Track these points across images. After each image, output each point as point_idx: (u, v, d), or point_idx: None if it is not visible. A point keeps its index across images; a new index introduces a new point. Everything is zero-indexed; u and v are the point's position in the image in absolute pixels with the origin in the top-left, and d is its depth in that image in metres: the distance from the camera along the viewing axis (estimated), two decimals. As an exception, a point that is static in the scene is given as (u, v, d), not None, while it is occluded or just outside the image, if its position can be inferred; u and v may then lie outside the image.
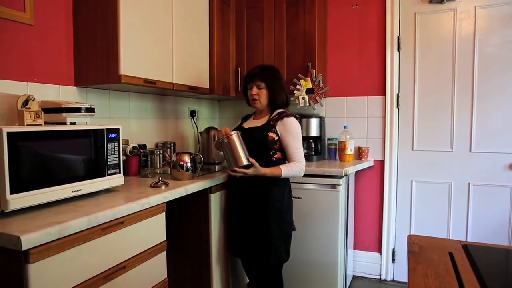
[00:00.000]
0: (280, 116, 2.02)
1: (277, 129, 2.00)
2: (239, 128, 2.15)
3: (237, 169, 1.92)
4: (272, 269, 2.08)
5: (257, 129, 2.05)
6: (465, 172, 2.78)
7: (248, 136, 2.00)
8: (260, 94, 2.05)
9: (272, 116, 2.05)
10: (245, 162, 1.91)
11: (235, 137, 1.92)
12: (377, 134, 3.01)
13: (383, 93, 2.97)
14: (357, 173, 3.03)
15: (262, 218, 2.00)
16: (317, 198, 2.50)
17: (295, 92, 2.74)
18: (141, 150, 2.26)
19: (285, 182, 2.08)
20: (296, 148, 2.01)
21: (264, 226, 2.00)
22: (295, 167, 1.99)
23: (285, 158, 2.06)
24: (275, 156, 2.03)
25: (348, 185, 2.69)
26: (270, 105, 2.10)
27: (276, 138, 2.01)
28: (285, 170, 1.96)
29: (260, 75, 2.05)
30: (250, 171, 1.92)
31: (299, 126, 2.04)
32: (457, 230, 2.82)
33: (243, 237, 2.08)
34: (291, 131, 2.00)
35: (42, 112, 1.52)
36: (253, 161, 1.92)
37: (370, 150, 3.00)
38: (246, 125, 2.15)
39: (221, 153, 2.16)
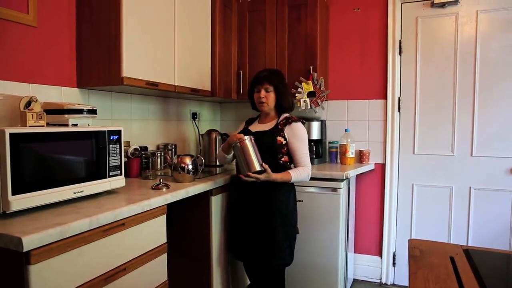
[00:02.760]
0: (288, 121, 2.05)
1: (285, 134, 2.04)
2: (245, 131, 2.16)
3: (250, 174, 1.92)
4: (276, 272, 2.08)
5: (265, 133, 2.06)
6: (466, 176, 2.78)
7: (256, 140, 2.01)
8: (268, 97, 2.07)
9: (279, 121, 2.07)
10: (258, 168, 1.92)
11: (248, 142, 1.93)
12: (378, 138, 3.01)
13: (384, 96, 2.97)
14: (358, 176, 3.03)
15: (268, 221, 2.01)
16: (318, 201, 2.50)
17: (296, 95, 2.75)
18: (143, 152, 2.26)
19: (291, 186, 2.09)
20: (304, 153, 2.04)
21: (269, 228, 2.00)
22: (303, 172, 2.01)
23: (291, 161, 2.08)
24: (282, 159, 2.05)
25: (349, 189, 2.69)
26: (277, 109, 2.11)
27: (284, 142, 2.03)
28: (295, 175, 1.99)
29: (269, 78, 2.07)
30: (262, 176, 1.93)
31: (306, 131, 2.08)
32: (458, 235, 2.81)
33: (248, 239, 2.08)
34: (299, 136, 2.03)
35: (45, 114, 1.53)
36: (266, 166, 1.93)
37: (371, 154, 3.00)
38: (253, 128, 2.16)
39: (228, 156, 2.16)
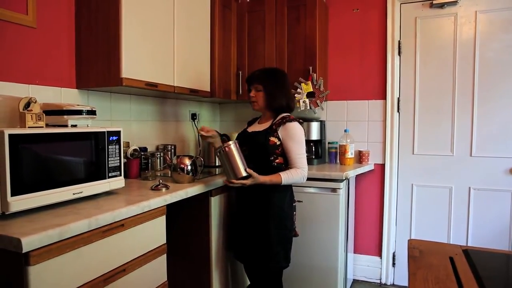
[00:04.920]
0: (283, 121, 1.99)
1: (279, 134, 1.98)
2: (243, 133, 2.15)
3: (234, 181, 1.89)
4: (272, 274, 2.06)
5: (259, 133, 2.03)
6: (465, 176, 2.78)
7: (250, 141, 2.00)
8: (257, 97, 2.04)
9: (275, 121, 2.03)
10: (243, 174, 1.88)
11: (233, 147, 1.89)
12: (377, 138, 3.01)
13: (383, 97, 2.97)
14: (358, 176, 3.03)
15: (262, 223, 1.99)
16: (318, 201, 2.50)
17: (296, 95, 2.75)
18: (142, 153, 2.26)
19: (287, 188, 2.05)
20: (298, 153, 1.97)
21: (263, 231, 1.98)
22: (295, 173, 1.95)
23: (287, 163, 2.02)
24: (276, 161, 2.01)
25: (348, 189, 2.69)
26: (270, 109, 2.07)
27: (278, 143, 1.98)
28: (285, 177, 1.93)
29: (259, 78, 2.04)
30: (248, 181, 1.89)
31: (302, 131, 2.01)
32: (458, 235, 2.81)
33: (245, 242, 2.07)
34: (293, 136, 1.96)
35: (44, 115, 1.52)
36: (251, 171, 1.89)
37: (371, 154, 3.01)
38: (250, 129, 2.14)
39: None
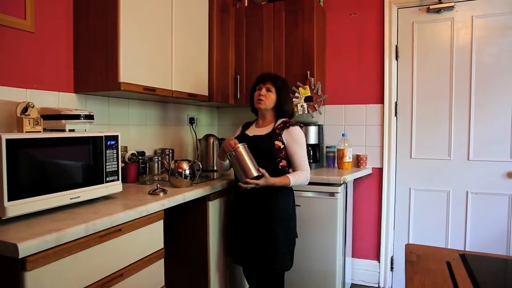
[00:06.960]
0: (286, 125, 2.05)
1: (283, 138, 2.03)
2: (242, 136, 2.16)
3: (249, 180, 1.90)
4: (276, 276, 2.07)
5: (262, 137, 2.06)
6: (463, 180, 2.79)
7: (254, 145, 2.01)
8: (267, 97, 2.07)
9: (277, 125, 2.07)
10: (255, 174, 1.91)
11: (242, 149, 1.92)
12: (375, 142, 3.02)
13: (381, 101, 2.98)
14: (356, 181, 3.03)
15: (268, 226, 2.01)
16: (316, 206, 2.50)
17: (293, 100, 2.75)
18: (140, 157, 2.26)
19: (290, 190, 2.10)
20: (302, 156, 2.04)
21: (270, 234, 2.00)
22: (302, 175, 2.02)
23: (289, 166, 2.08)
24: (281, 164, 2.05)
25: (346, 193, 2.69)
26: (275, 113, 2.12)
27: (282, 146, 2.03)
28: (293, 179, 1.99)
29: (273, 80, 2.10)
30: (261, 181, 1.92)
31: (303, 135, 2.08)
32: (456, 239, 2.81)
33: (248, 245, 2.07)
34: (297, 140, 2.03)
35: (41, 119, 1.53)
36: (263, 171, 1.92)
37: (369, 158, 3.01)
38: (250, 133, 2.15)
39: (225, 163, 2.17)
